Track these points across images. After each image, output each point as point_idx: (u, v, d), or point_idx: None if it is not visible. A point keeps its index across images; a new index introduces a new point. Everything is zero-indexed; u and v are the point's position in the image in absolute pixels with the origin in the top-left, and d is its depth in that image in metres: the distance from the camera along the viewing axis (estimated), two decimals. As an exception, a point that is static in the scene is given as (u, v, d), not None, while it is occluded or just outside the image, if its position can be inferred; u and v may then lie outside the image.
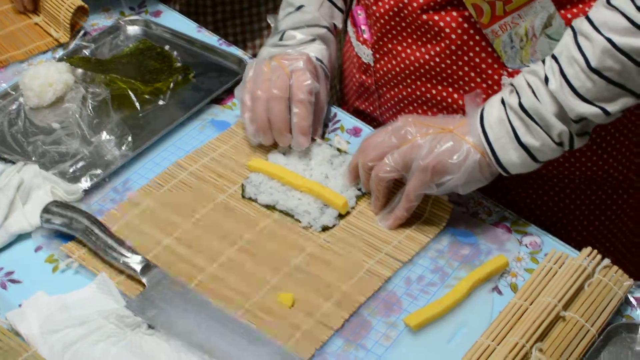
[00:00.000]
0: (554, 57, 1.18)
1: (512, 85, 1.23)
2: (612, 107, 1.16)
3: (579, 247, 1.31)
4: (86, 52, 1.60)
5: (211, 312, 1.18)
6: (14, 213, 1.31)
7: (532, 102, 1.19)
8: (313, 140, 1.40)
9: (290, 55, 1.42)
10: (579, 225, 1.45)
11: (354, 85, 1.52)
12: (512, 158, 1.22)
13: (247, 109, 1.40)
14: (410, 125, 1.26)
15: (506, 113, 1.21)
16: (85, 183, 1.36)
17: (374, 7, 1.38)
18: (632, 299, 1.21)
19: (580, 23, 1.16)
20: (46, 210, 1.28)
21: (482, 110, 1.24)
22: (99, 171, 1.37)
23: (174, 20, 1.70)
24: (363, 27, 1.45)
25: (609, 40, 1.12)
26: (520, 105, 1.20)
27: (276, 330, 1.16)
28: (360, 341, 1.16)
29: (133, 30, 1.67)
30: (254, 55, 1.59)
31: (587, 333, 1.15)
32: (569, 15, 1.27)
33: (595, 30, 1.13)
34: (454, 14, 1.30)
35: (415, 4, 1.31)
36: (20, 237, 1.30)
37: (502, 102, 1.22)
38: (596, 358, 1.14)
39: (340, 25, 1.52)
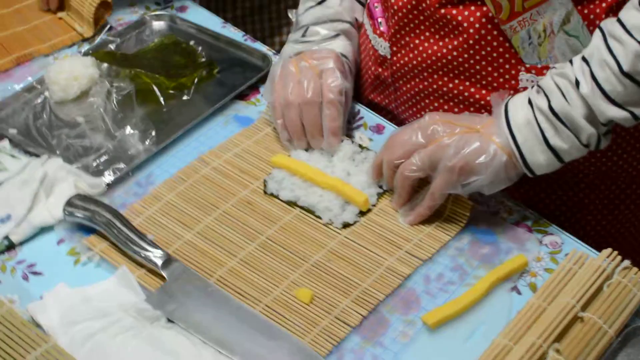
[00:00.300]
0: (584, 59, 1.18)
1: (539, 86, 1.23)
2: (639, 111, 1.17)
3: (593, 241, 1.31)
4: (111, 46, 1.61)
5: (230, 307, 1.19)
6: (37, 206, 1.32)
7: (563, 106, 1.19)
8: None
9: (318, 54, 1.42)
10: (593, 220, 1.45)
11: (369, 77, 1.52)
12: (539, 160, 1.22)
13: (279, 115, 1.40)
14: (437, 123, 1.26)
15: (534, 115, 1.21)
16: (108, 177, 1.37)
17: (392, 0, 1.38)
18: (651, 301, 1.20)
19: (611, 25, 1.16)
20: (69, 203, 1.29)
21: (507, 110, 1.24)
22: (122, 165, 1.38)
23: (200, 16, 1.71)
24: (380, 20, 1.45)
25: None
26: (550, 108, 1.20)
27: (294, 326, 1.17)
28: (378, 338, 1.17)
29: (158, 25, 1.68)
30: (276, 52, 1.60)
31: (605, 335, 1.14)
32: (585, 11, 1.26)
33: (627, 33, 1.13)
34: (472, 8, 1.29)
35: None
36: (43, 230, 1.31)
37: (530, 103, 1.22)
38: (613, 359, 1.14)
39: (361, 19, 1.53)
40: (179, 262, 1.23)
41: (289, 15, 1.53)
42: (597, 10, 1.26)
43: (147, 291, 1.21)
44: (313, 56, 1.42)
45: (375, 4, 1.46)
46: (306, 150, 1.40)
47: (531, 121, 1.21)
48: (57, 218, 1.31)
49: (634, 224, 1.47)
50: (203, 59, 1.57)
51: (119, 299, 1.20)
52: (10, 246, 1.28)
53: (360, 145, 1.40)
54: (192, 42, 1.61)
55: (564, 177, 1.40)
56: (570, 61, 1.21)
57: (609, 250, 1.22)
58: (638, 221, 1.47)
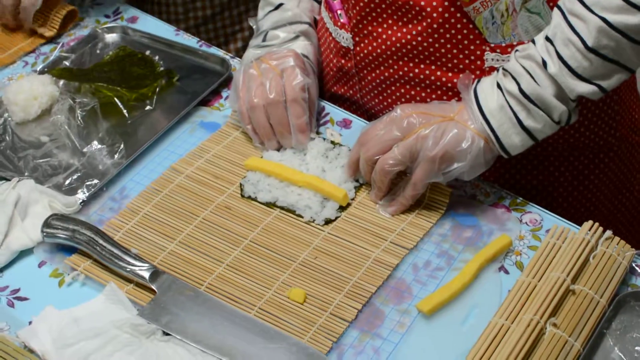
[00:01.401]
0: (547, 39, 1.21)
1: (505, 70, 1.25)
2: (607, 84, 1.21)
3: (567, 213, 1.35)
4: (67, 62, 1.59)
5: (225, 313, 1.18)
6: (13, 230, 1.29)
7: (533, 87, 1.21)
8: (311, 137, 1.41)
9: (277, 54, 1.43)
10: (564, 191, 1.48)
11: (331, 70, 1.53)
12: (515, 141, 1.25)
13: (247, 120, 1.41)
14: (411, 115, 1.27)
15: (505, 99, 1.24)
16: (82, 194, 1.35)
17: None
18: (637, 268, 1.23)
19: (570, 3, 1.19)
20: (47, 224, 1.27)
21: (477, 95, 1.26)
22: (94, 181, 1.37)
23: (151, 25, 1.69)
24: (339, 12, 1.45)
25: (604, 20, 1.15)
26: (521, 90, 1.22)
27: (291, 327, 1.17)
28: (376, 330, 1.17)
29: (111, 37, 1.66)
30: (233, 56, 1.60)
31: (598, 304, 1.17)
32: None
33: (588, 10, 1.16)
34: None
35: None
36: (22, 254, 1.29)
37: (499, 87, 1.24)
38: (608, 328, 1.16)
39: (319, 18, 1.53)
40: (166, 273, 1.22)
41: (250, 23, 1.53)
42: None
43: (137, 306, 1.20)
44: (273, 57, 1.43)
45: None
46: (278, 150, 1.40)
47: (504, 106, 1.24)
48: (36, 240, 1.29)
49: (603, 192, 1.50)
50: (161, 68, 1.56)
51: (111, 316, 1.19)
52: (-9, 273, 1.26)
53: (332, 142, 1.41)
54: (147, 52, 1.59)
55: (534, 152, 1.42)
56: (533, 41, 1.23)
57: (590, 222, 1.25)
58: (608, 189, 1.50)
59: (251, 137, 1.42)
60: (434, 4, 1.30)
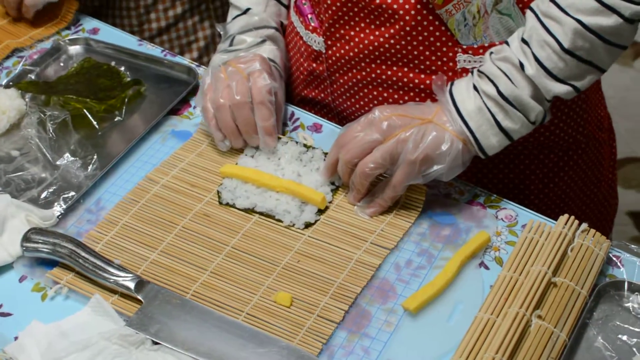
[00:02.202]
0: (523, 41, 1.24)
1: (480, 72, 1.28)
2: (581, 84, 1.25)
3: (539, 209, 1.37)
4: (32, 76, 1.57)
5: (213, 320, 1.19)
6: (-9, 246, 1.28)
7: (511, 89, 1.25)
8: (278, 138, 1.42)
9: (244, 58, 1.43)
10: (535, 189, 1.51)
11: (301, 74, 1.54)
12: (493, 142, 1.27)
13: (212, 117, 1.41)
14: (389, 118, 1.28)
15: (483, 101, 1.26)
16: (58, 207, 1.34)
17: None
18: (613, 258, 1.26)
19: (544, 5, 1.22)
20: (27, 238, 1.26)
21: (453, 98, 1.28)
22: (69, 194, 1.36)
23: (113, 36, 1.68)
24: (310, 16, 1.47)
25: (579, 21, 1.19)
26: (499, 93, 1.25)
27: (280, 330, 1.18)
28: (364, 330, 1.19)
29: (74, 49, 1.65)
30: (198, 65, 1.60)
31: (579, 295, 1.20)
32: None
33: (563, 12, 1.20)
34: None
35: None
36: (1, 269, 1.28)
37: (475, 89, 1.27)
38: (590, 317, 1.19)
39: (286, 22, 1.55)
40: (151, 283, 1.22)
41: (217, 29, 1.54)
42: None
43: (124, 316, 1.20)
44: (240, 61, 1.43)
45: (304, 1, 1.48)
46: (252, 156, 1.41)
47: (482, 108, 1.26)
48: (15, 255, 1.28)
49: (573, 188, 1.54)
50: (128, 79, 1.55)
51: (98, 328, 1.18)
52: (-29, 290, 1.25)
53: (304, 145, 1.42)
54: (112, 63, 1.59)
55: (506, 152, 1.45)
56: (507, 42, 1.26)
57: (566, 216, 1.28)
58: (577, 185, 1.54)
59: (213, 134, 1.41)
60: (407, 7, 1.32)
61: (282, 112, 1.47)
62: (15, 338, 1.18)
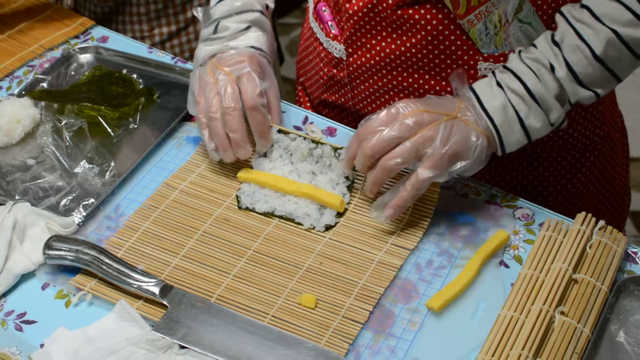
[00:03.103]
0: (555, 43, 1.25)
1: (506, 68, 1.28)
2: (601, 91, 1.27)
3: (554, 209, 1.39)
4: (44, 84, 1.57)
5: (239, 322, 1.19)
6: (13, 254, 1.28)
7: (539, 87, 1.26)
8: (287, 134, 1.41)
9: (232, 59, 1.40)
10: (553, 190, 1.53)
11: (321, 78, 1.54)
12: (513, 140, 1.28)
13: (205, 127, 1.39)
14: (415, 114, 1.27)
15: (507, 98, 1.27)
16: (77, 214, 1.34)
17: (347, 5, 1.40)
18: (631, 254, 1.28)
19: (578, 12, 1.24)
20: (48, 246, 1.26)
21: (476, 93, 1.28)
22: (89, 201, 1.36)
23: (123, 44, 1.68)
24: (330, 23, 1.47)
25: (614, 31, 1.22)
26: (527, 89, 1.26)
27: (306, 332, 1.19)
28: (389, 330, 1.20)
29: (85, 58, 1.65)
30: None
31: (600, 291, 1.21)
32: None
33: (597, 20, 1.22)
34: (428, 6, 1.33)
35: (390, 1, 1.34)
36: (23, 277, 1.28)
37: (499, 85, 1.27)
38: (611, 313, 1.21)
39: (272, 5, 1.52)
40: (175, 287, 1.23)
41: (194, 12, 1.49)
42: None
43: (149, 321, 1.20)
44: (227, 63, 1.40)
45: (323, 8, 1.48)
46: (265, 156, 1.41)
47: (506, 104, 1.27)
48: (37, 263, 1.28)
49: (589, 189, 1.56)
50: (141, 86, 1.56)
51: (124, 333, 1.19)
52: (-5, 299, 1.25)
53: (313, 140, 1.40)
54: (124, 71, 1.59)
55: (524, 154, 1.47)
56: (534, 45, 1.28)
57: (584, 214, 1.30)
58: (593, 185, 1.56)
59: (205, 144, 1.39)
60: (428, 17, 1.33)
61: (279, 103, 1.45)
62: (41, 345, 1.19)
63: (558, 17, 1.27)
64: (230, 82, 1.38)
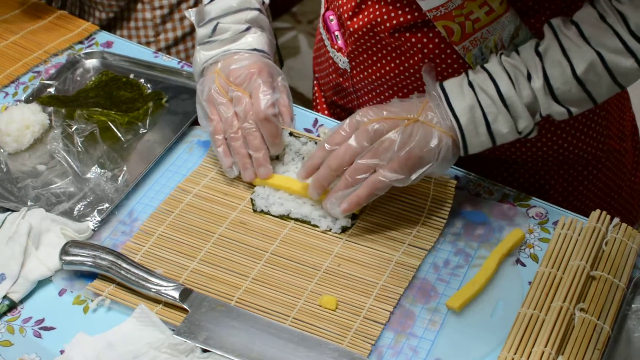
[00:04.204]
0: (537, 53, 1.25)
1: (482, 68, 1.27)
2: (575, 110, 1.27)
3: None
4: (51, 90, 1.57)
5: (261, 325, 1.19)
6: (29, 260, 1.28)
7: (512, 94, 1.25)
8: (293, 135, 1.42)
9: (241, 73, 1.38)
10: (554, 202, 1.52)
11: (330, 82, 1.55)
12: (477, 142, 1.27)
13: (221, 144, 1.38)
14: (376, 122, 1.26)
15: (477, 98, 1.26)
16: (91, 220, 1.34)
17: (348, 22, 1.41)
18: (648, 250, 1.29)
19: (567, 28, 1.24)
20: (65, 252, 1.26)
21: (445, 92, 1.27)
22: (104, 206, 1.36)
23: (128, 49, 1.68)
24: (336, 33, 1.48)
25: (599, 54, 1.22)
26: (499, 92, 1.25)
27: (328, 334, 1.19)
28: (410, 330, 1.20)
29: (91, 63, 1.64)
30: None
31: (618, 288, 1.22)
32: (532, 21, 1.33)
33: (585, 41, 1.22)
34: (425, 30, 1.34)
35: (387, 24, 1.35)
36: (40, 283, 1.27)
37: (471, 85, 1.27)
38: (629, 309, 1.22)
39: (267, 0, 1.50)
40: (195, 291, 1.23)
41: (186, 14, 1.47)
42: (543, 18, 1.33)
43: (170, 325, 1.20)
44: (238, 79, 1.38)
45: (331, 17, 1.49)
46: (277, 158, 1.41)
47: (474, 105, 1.26)
48: (54, 269, 1.27)
49: (593, 200, 1.56)
50: (149, 90, 1.56)
51: (145, 338, 1.18)
52: (12, 306, 1.24)
53: None
54: (131, 76, 1.59)
55: (525, 167, 1.48)
56: (517, 51, 1.28)
57: (598, 211, 1.31)
58: (597, 197, 1.57)
59: (221, 160, 1.39)
60: (425, 40, 1.34)
61: (290, 104, 1.43)
62: (61, 352, 1.18)
63: (546, 27, 1.26)
64: (247, 101, 1.37)
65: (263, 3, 1.48)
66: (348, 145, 1.28)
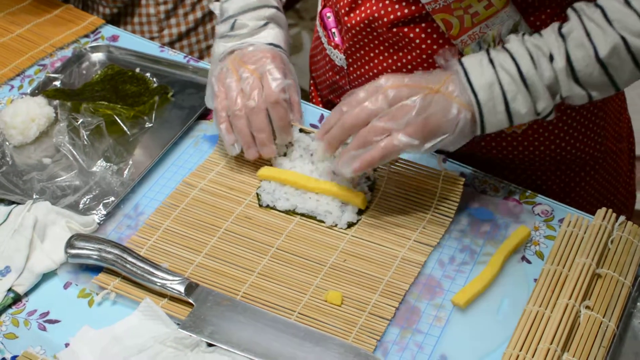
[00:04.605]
0: (561, 35, 1.23)
1: (504, 48, 1.26)
2: (595, 94, 1.25)
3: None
4: (57, 83, 1.57)
5: (266, 320, 1.19)
6: (34, 253, 1.28)
7: (532, 73, 1.23)
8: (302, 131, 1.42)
9: (255, 56, 1.40)
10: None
11: (327, 80, 1.55)
12: (494, 120, 1.26)
13: (223, 120, 1.38)
14: (395, 87, 1.25)
15: (498, 77, 1.24)
16: (97, 213, 1.34)
17: (346, 18, 1.41)
18: (653, 249, 1.29)
19: (591, 11, 1.22)
20: (70, 245, 1.26)
21: (465, 68, 1.25)
22: (107, 200, 1.36)
23: (134, 43, 1.68)
24: (333, 30, 1.48)
25: (622, 38, 1.20)
26: (520, 72, 1.23)
27: (333, 329, 1.19)
28: (415, 326, 1.20)
29: (96, 57, 1.64)
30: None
31: (624, 286, 1.22)
32: (531, 19, 1.33)
33: (609, 23, 1.20)
34: (423, 25, 1.34)
35: (385, 19, 1.35)
36: (45, 277, 1.27)
37: (491, 63, 1.25)
38: (635, 307, 1.22)
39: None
40: (200, 286, 1.23)
41: (211, 8, 1.49)
42: (543, 17, 1.33)
43: (175, 319, 1.20)
44: (251, 60, 1.40)
45: (328, 14, 1.49)
46: (285, 155, 1.41)
47: (494, 83, 1.24)
48: (59, 262, 1.27)
49: (589, 200, 1.56)
50: (155, 85, 1.56)
51: (150, 332, 1.18)
52: (17, 298, 1.24)
53: None
54: (137, 70, 1.59)
55: (523, 166, 1.48)
56: (539, 33, 1.26)
57: (604, 209, 1.30)
58: (593, 198, 1.57)
59: (223, 137, 1.39)
60: (423, 35, 1.34)
61: (299, 99, 1.43)
62: (66, 345, 1.18)
63: (570, 11, 1.25)
64: (255, 80, 1.37)
65: (280, 1, 1.49)
66: (364, 106, 1.26)
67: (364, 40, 1.41)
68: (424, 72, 1.30)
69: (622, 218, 1.29)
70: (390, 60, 1.39)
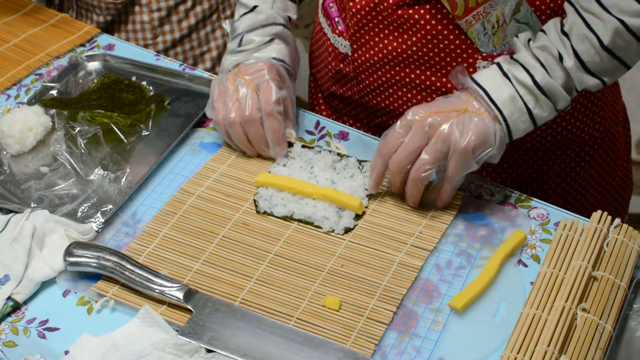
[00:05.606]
0: (564, 33, 1.27)
1: (514, 60, 1.30)
2: (608, 78, 1.30)
3: (554, 202, 1.43)
4: (53, 92, 1.57)
5: (265, 325, 1.20)
6: (33, 261, 1.28)
7: (547, 80, 1.28)
8: (290, 145, 1.45)
9: (252, 67, 1.45)
10: (553, 183, 1.56)
11: (329, 72, 1.57)
12: (520, 128, 1.30)
13: (224, 131, 1.44)
14: (427, 117, 1.28)
15: (516, 90, 1.28)
16: (95, 221, 1.34)
17: (351, 3, 1.44)
18: (648, 250, 1.30)
19: (587, 2, 1.26)
20: (69, 253, 1.26)
21: (482, 86, 1.29)
22: (105, 208, 1.36)
23: (129, 52, 1.69)
24: (337, 19, 1.50)
25: (621, 21, 1.23)
26: (535, 82, 1.28)
27: (332, 334, 1.20)
28: (413, 330, 1.21)
29: (92, 65, 1.65)
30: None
31: (620, 288, 1.23)
32: None
33: (605, 10, 1.24)
34: (427, 7, 1.37)
35: (391, 1, 1.38)
36: (44, 285, 1.28)
37: (507, 77, 1.29)
38: (630, 309, 1.23)
39: (294, 17, 1.55)
40: (199, 292, 1.23)
41: (224, 25, 1.54)
42: None
43: (174, 326, 1.20)
44: (247, 71, 1.45)
45: (331, 4, 1.52)
46: (284, 165, 1.42)
47: (515, 96, 1.29)
48: (58, 270, 1.28)
49: (589, 182, 1.59)
50: (151, 93, 1.56)
51: (149, 338, 1.19)
52: (16, 306, 1.25)
53: (338, 154, 1.43)
54: (133, 78, 1.59)
55: (524, 148, 1.50)
56: (543, 30, 1.30)
57: (599, 212, 1.31)
58: (593, 178, 1.60)
59: (231, 143, 1.46)
60: (427, 17, 1.36)
61: (294, 113, 1.49)
62: (66, 352, 1.19)
63: (567, 5, 1.29)
64: (250, 91, 1.42)
65: (290, 20, 1.54)
66: (405, 146, 1.29)
67: (369, 25, 1.43)
68: (444, 96, 1.34)
69: (617, 221, 1.30)
70: (395, 43, 1.42)
